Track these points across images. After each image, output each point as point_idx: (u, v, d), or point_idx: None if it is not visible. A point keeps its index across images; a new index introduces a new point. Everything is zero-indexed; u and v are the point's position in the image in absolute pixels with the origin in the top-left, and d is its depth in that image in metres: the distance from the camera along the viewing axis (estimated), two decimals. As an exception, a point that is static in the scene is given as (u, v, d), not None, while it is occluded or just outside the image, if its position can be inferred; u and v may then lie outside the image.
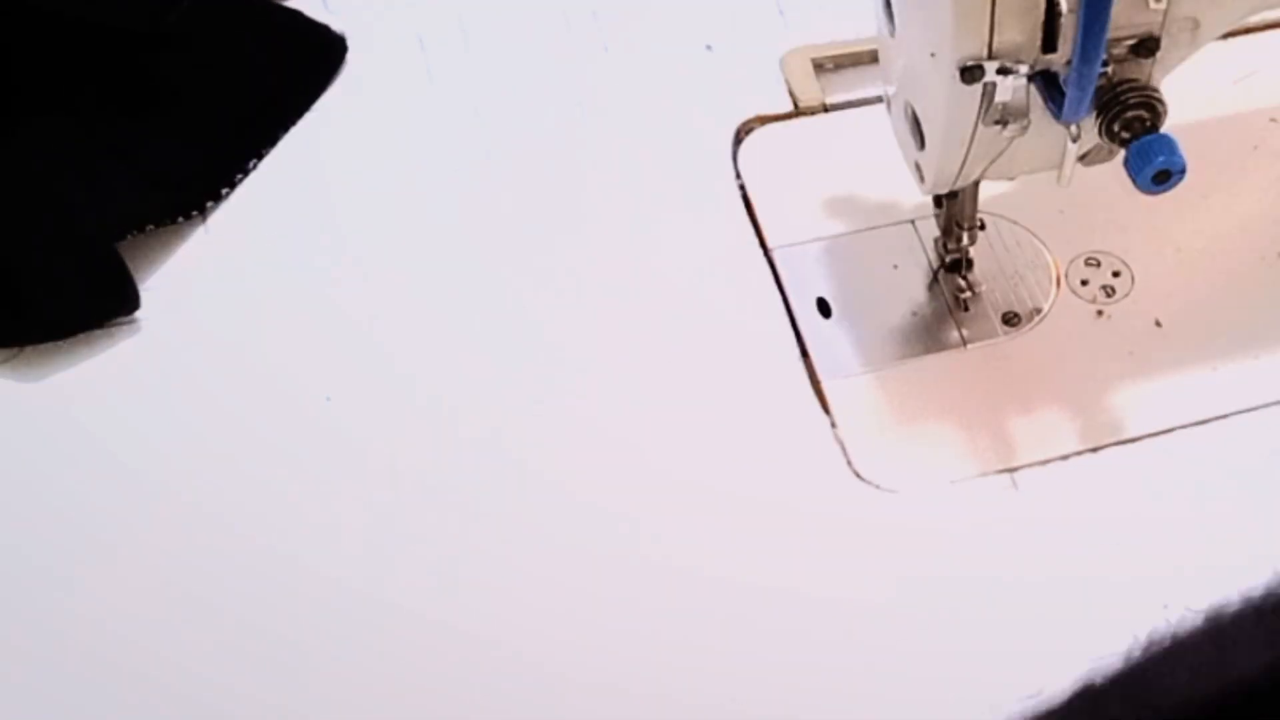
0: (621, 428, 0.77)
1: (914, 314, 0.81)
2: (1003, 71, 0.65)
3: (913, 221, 0.84)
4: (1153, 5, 0.64)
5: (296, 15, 0.93)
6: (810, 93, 0.90)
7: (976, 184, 0.75)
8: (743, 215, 0.85)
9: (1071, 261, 0.83)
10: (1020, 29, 0.64)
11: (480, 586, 0.72)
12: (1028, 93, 0.67)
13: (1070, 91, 0.64)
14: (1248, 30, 0.91)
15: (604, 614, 0.71)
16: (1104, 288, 0.82)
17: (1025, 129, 0.68)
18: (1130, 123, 0.66)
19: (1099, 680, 0.65)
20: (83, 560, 0.72)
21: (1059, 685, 0.66)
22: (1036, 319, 0.81)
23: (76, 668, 0.69)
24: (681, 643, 0.70)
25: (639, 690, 0.69)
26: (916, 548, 0.73)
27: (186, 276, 0.82)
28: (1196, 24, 0.66)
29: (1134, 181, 0.66)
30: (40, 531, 0.74)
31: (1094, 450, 0.76)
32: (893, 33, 0.72)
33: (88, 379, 0.78)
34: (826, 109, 0.90)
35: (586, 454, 0.76)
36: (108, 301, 0.79)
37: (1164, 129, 0.66)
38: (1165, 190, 0.65)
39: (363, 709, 0.69)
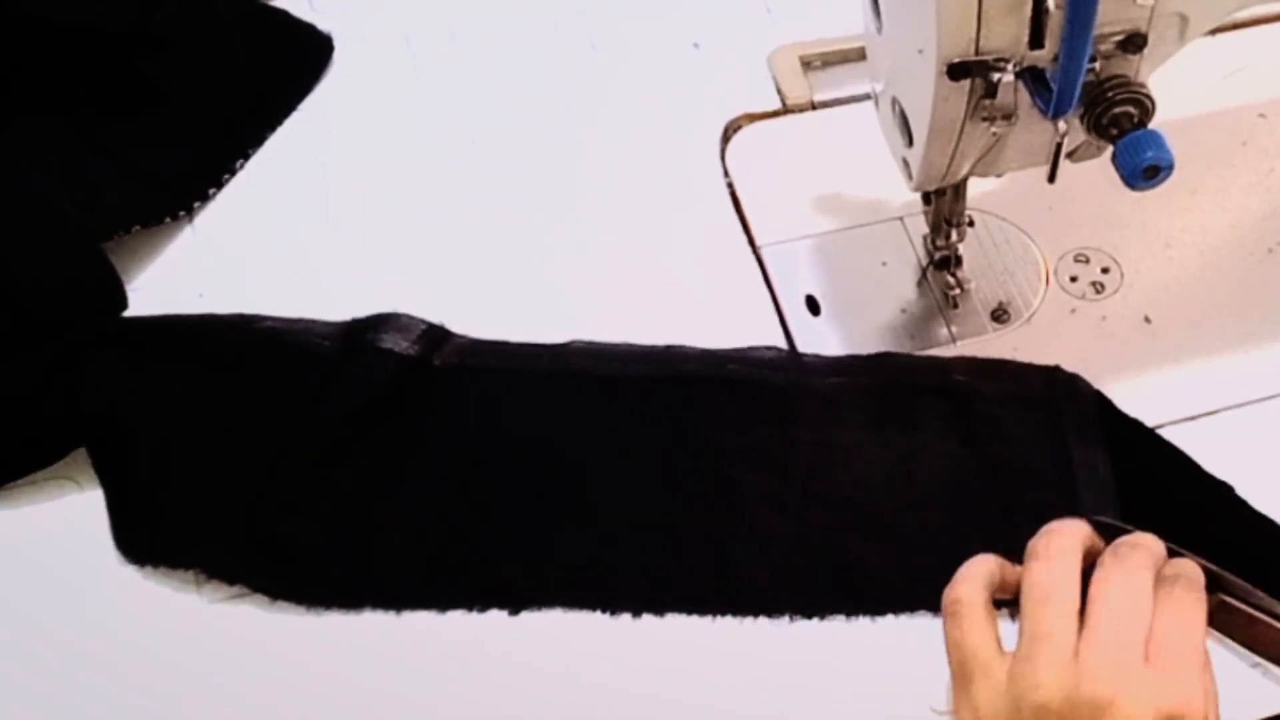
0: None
1: (903, 311, 0.81)
2: (990, 68, 0.65)
3: (901, 219, 0.84)
4: (1140, 1, 0.64)
5: (282, 15, 0.92)
6: (798, 90, 0.90)
7: (965, 181, 0.75)
8: (731, 213, 0.85)
9: (1061, 258, 0.83)
10: (1007, 25, 0.64)
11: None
12: (1015, 89, 0.66)
13: (1057, 87, 0.64)
14: (1235, 26, 0.92)
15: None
16: (1093, 284, 0.82)
17: (1013, 125, 0.68)
18: (1118, 119, 0.66)
19: None
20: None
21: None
22: (1026, 315, 0.81)
23: None
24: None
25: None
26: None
27: (174, 277, 0.82)
28: (1184, 20, 0.66)
29: (1122, 178, 0.65)
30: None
31: (1084, 447, 0.76)
32: (880, 30, 0.72)
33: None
34: (814, 106, 0.90)
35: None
36: (94, 301, 0.79)
37: (1152, 125, 0.66)
38: (1154, 186, 0.65)
39: None
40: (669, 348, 0.78)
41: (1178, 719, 0.58)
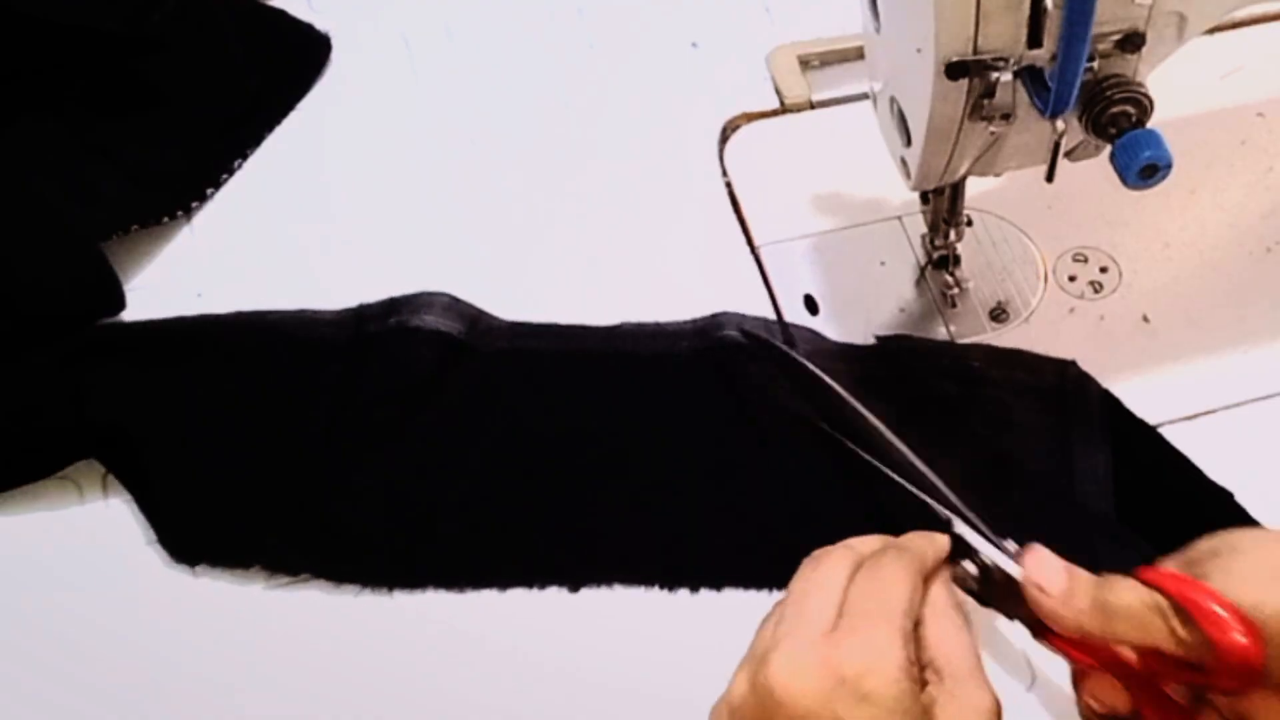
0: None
1: (902, 310, 0.81)
2: (988, 67, 0.65)
3: (900, 218, 0.84)
4: (1138, 0, 0.64)
5: (280, 15, 0.93)
6: (797, 90, 0.90)
7: (963, 180, 0.75)
8: (729, 212, 0.85)
9: (1059, 257, 0.83)
10: (1005, 24, 0.64)
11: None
12: (1013, 88, 0.66)
13: (1055, 87, 0.64)
14: (1234, 25, 0.92)
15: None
16: (1091, 283, 0.82)
17: (1011, 124, 0.68)
18: (1116, 118, 0.66)
19: None
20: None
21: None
22: (1024, 315, 0.81)
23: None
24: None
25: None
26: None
27: (172, 276, 0.82)
28: (1182, 19, 0.66)
29: (1121, 177, 0.65)
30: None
31: (1082, 446, 0.76)
32: (878, 29, 0.72)
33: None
34: (813, 106, 0.90)
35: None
36: (92, 301, 0.79)
37: (1150, 124, 0.66)
38: (1152, 185, 0.65)
39: None
40: (713, 316, 0.79)
41: (858, 679, 0.55)
